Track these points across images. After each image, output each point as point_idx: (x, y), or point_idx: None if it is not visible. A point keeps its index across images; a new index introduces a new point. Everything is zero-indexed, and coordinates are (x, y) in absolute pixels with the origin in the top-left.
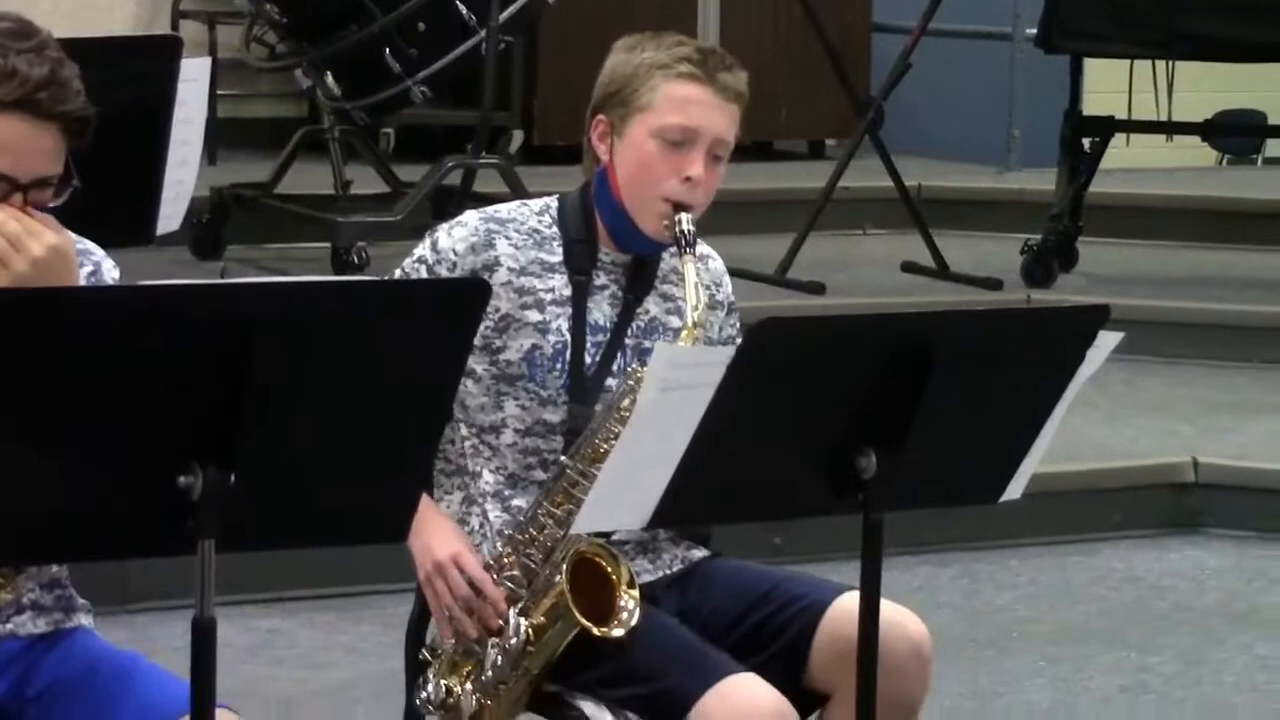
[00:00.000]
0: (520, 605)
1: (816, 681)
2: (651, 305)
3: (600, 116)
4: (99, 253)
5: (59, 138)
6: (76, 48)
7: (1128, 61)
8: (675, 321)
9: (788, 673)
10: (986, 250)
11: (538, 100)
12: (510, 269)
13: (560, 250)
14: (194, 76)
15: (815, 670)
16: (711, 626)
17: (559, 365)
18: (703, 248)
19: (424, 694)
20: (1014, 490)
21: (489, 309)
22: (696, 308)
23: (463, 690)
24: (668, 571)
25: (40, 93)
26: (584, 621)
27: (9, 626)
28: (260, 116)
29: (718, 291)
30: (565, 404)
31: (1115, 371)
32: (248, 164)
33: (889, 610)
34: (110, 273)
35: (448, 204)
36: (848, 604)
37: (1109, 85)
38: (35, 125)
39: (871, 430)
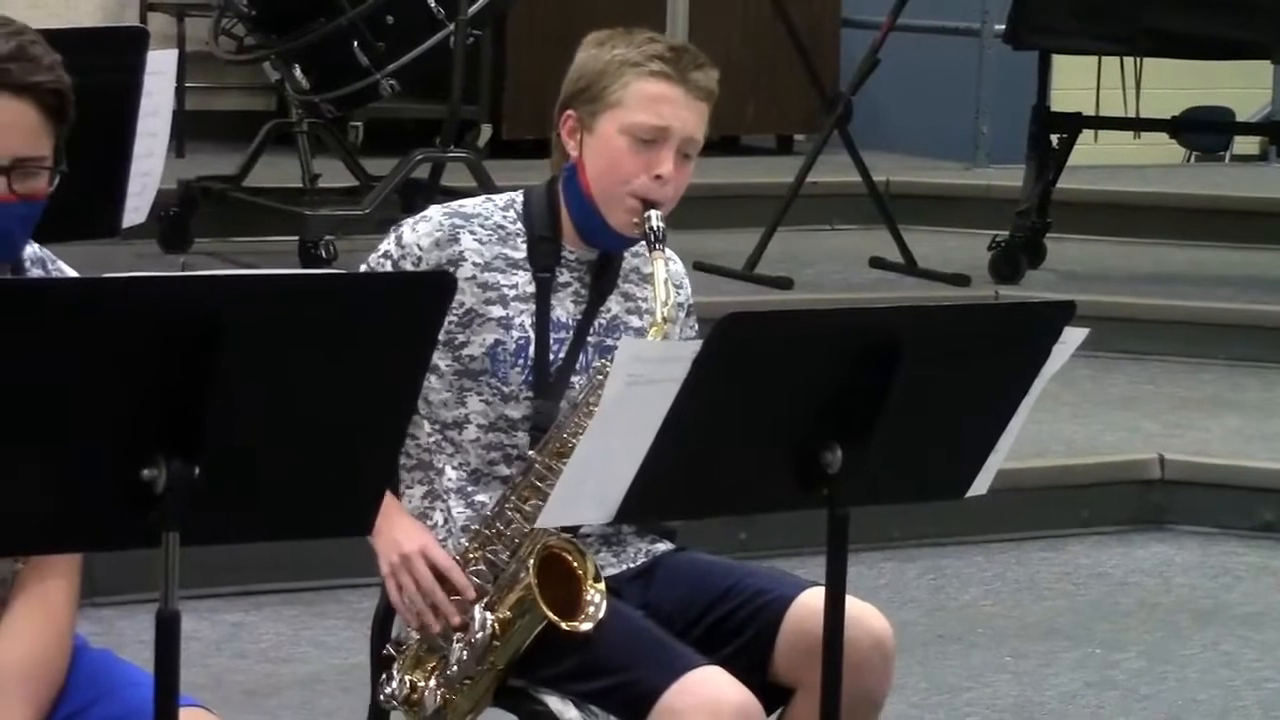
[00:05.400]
0: (486, 600)
1: (781, 676)
2: (613, 304)
3: (569, 112)
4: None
5: (38, 116)
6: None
7: (1096, 58)
8: (636, 321)
9: (752, 667)
10: (954, 246)
11: (506, 94)
12: (475, 264)
13: (525, 246)
14: (160, 68)
15: (779, 665)
16: (675, 621)
17: (522, 361)
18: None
19: (388, 689)
20: (980, 486)
21: (453, 304)
22: (666, 304)
23: (427, 686)
24: (631, 565)
25: (9, 64)
26: (551, 616)
27: None
28: (228, 109)
29: (678, 294)
30: (528, 399)
31: (1082, 368)
32: (215, 157)
33: (853, 605)
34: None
35: (416, 197)
36: (812, 599)
37: (1077, 81)
38: (7, 99)
39: (837, 425)
